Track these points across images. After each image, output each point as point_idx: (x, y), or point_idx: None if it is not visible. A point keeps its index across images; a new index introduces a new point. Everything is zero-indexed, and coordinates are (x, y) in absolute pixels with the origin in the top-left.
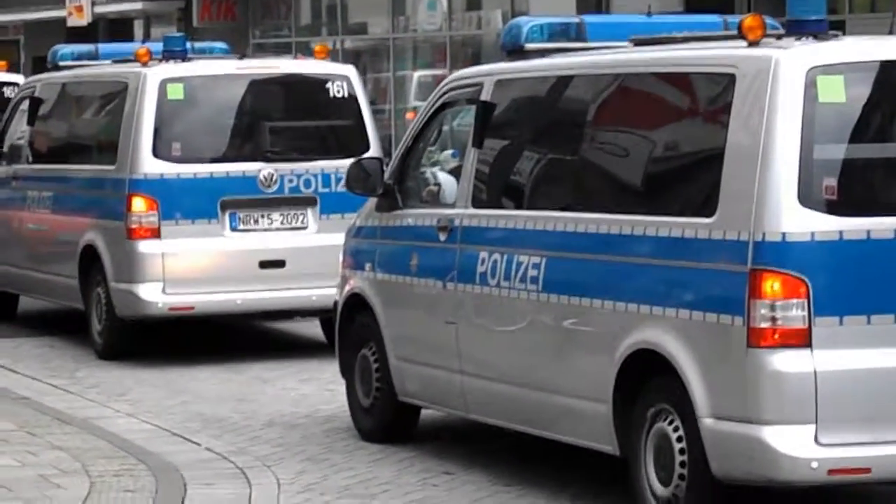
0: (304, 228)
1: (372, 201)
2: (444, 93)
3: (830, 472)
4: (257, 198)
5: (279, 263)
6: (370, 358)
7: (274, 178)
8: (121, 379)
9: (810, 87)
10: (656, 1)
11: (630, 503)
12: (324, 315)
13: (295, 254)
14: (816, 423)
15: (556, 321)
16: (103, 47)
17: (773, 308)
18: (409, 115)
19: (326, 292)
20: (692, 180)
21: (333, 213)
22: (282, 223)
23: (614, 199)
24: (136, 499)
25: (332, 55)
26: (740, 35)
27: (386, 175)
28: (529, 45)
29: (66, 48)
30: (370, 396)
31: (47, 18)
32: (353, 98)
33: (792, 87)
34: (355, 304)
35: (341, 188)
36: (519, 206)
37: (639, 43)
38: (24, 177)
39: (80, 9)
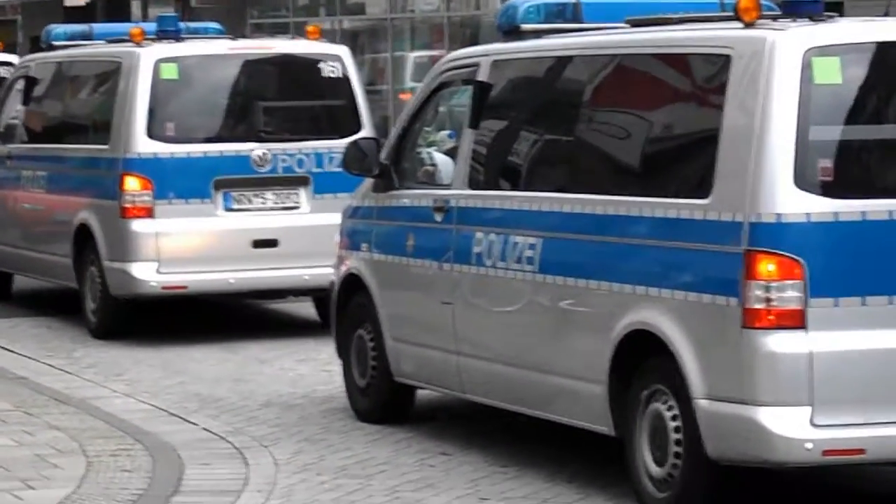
0: (297, 208)
1: (369, 182)
2: (441, 73)
3: (825, 453)
4: (250, 177)
5: (272, 243)
6: (366, 338)
7: (267, 157)
8: (118, 359)
9: (806, 68)
10: None
11: (626, 484)
12: (317, 294)
13: (288, 233)
14: (811, 404)
15: (552, 302)
16: (97, 27)
17: (768, 289)
18: (403, 97)
19: (319, 272)
20: (688, 161)
21: (326, 192)
22: (275, 203)
23: (610, 181)
24: (133, 478)
25: (331, 35)
26: (736, 16)
27: (382, 155)
28: (526, 26)
29: (59, 28)
30: (366, 377)
31: None
32: (346, 78)
33: (788, 69)
34: (351, 284)
35: (334, 168)
36: (515, 187)
37: (635, 24)
38: (19, 156)
39: None
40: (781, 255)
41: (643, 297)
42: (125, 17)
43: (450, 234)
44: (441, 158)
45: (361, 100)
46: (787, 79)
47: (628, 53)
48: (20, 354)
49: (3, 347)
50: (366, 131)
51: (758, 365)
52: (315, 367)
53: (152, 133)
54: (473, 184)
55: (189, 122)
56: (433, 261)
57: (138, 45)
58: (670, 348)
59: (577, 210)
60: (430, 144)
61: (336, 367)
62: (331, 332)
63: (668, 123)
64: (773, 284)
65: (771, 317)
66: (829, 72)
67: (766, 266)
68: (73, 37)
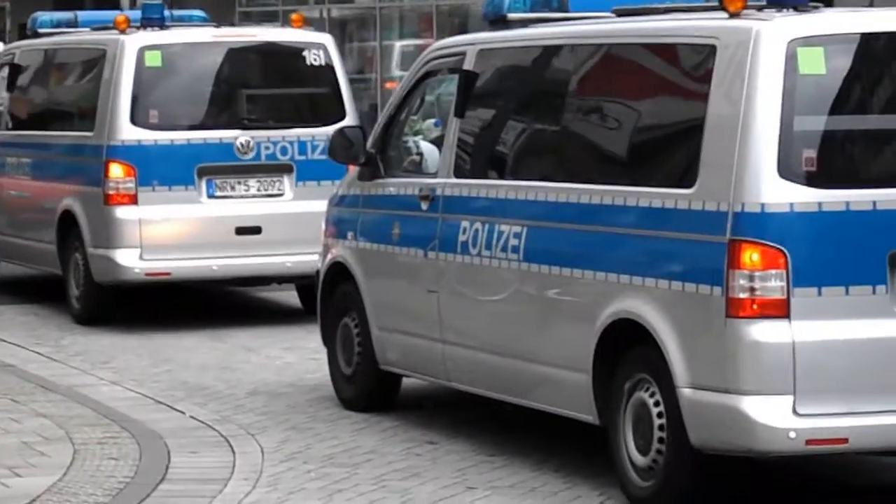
0: (281, 195)
1: (354, 170)
2: (427, 62)
3: (808, 442)
4: (234, 165)
5: (255, 230)
6: (352, 326)
7: (250, 145)
8: (105, 347)
9: (791, 58)
10: None
11: (613, 473)
12: (300, 282)
13: (271, 220)
14: (794, 393)
15: (537, 290)
16: (82, 15)
17: (751, 279)
18: (389, 85)
19: (302, 259)
20: (673, 151)
21: (309, 180)
22: (258, 190)
23: (595, 170)
24: (120, 466)
25: (319, 23)
26: (721, 6)
27: (368, 144)
28: (512, 15)
29: (45, 15)
30: (352, 365)
31: None
32: (329, 66)
33: (772, 59)
34: (337, 272)
35: (318, 156)
36: (500, 176)
37: (621, 14)
38: (4, 143)
39: None
40: (765, 244)
41: (628, 286)
42: (114, 4)
43: (435, 222)
44: (427, 147)
45: (345, 88)
46: (771, 69)
47: (614, 43)
48: (7, 342)
49: None
50: (349, 119)
51: (741, 354)
52: (302, 356)
53: (136, 120)
54: (459, 172)
55: (173, 110)
56: (419, 249)
57: (123, 32)
58: (654, 337)
59: (563, 199)
60: (416, 133)
61: (323, 355)
62: (316, 320)
63: (653, 113)
64: (757, 274)
65: (755, 306)
66: (813, 62)
67: (750, 255)
68: (58, 24)
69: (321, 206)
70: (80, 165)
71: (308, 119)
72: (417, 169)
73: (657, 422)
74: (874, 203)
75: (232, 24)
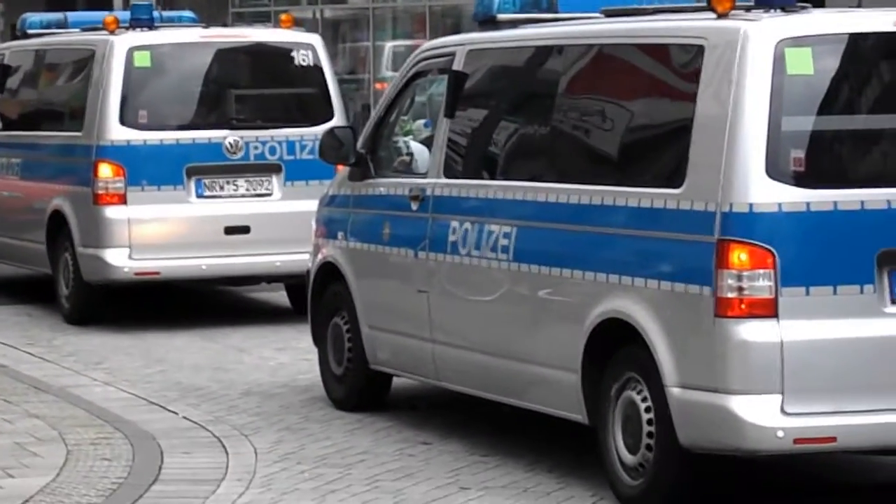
0: (269, 195)
1: (345, 170)
2: (417, 62)
3: (796, 441)
4: (223, 164)
5: (244, 229)
6: (342, 326)
7: (239, 145)
8: (98, 347)
9: (779, 59)
10: None
11: (605, 473)
12: (289, 281)
13: (260, 220)
14: (782, 392)
15: (526, 290)
16: (72, 15)
17: (740, 278)
18: (379, 86)
19: (291, 258)
20: (661, 151)
21: (298, 180)
22: (247, 190)
23: (584, 170)
24: (113, 467)
25: (312, 24)
26: (710, 7)
27: (359, 144)
28: (501, 16)
29: (35, 16)
30: (342, 365)
31: None
32: (318, 67)
33: (760, 60)
34: (328, 272)
35: (306, 155)
36: (490, 176)
37: (610, 14)
38: None
39: None
40: (753, 244)
41: (616, 285)
42: (107, 5)
43: (425, 222)
44: (417, 147)
45: (333, 88)
46: (759, 69)
47: (603, 43)
48: (0, 342)
49: None
50: (338, 119)
51: (730, 353)
52: (295, 356)
53: (125, 120)
54: (449, 173)
55: (162, 110)
56: (409, 249)
57: (112, 33)
58: (643, 337)
59: (552, 199)
60: (406, 133)
61: (316, 355)
62: (307, 320)
63: (642, 113)
64: (745, 274)
65: (743, 306)
66: (801, 62)
67: (739, 255)
68: (48, 25)
69: (310, 205)
70: (70, 165)
71: (297, 119)
72: (407, 169)
73: (646, 421)
74: (862, 203)
75: (225, 25)
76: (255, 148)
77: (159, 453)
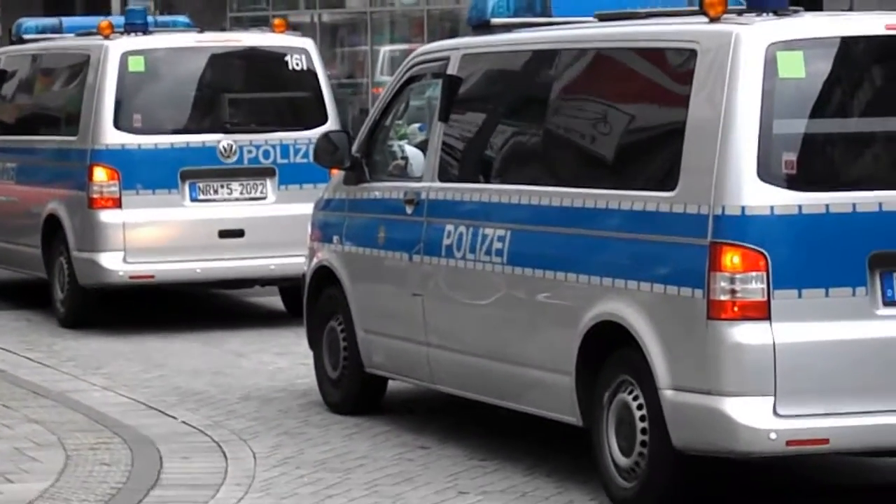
0: (263, 199)
1: (340, 174)
2: (411, 67)
3: (789, 443)
4: (217, 168)
5: (238, 233)
6: (338, 330)
7: (233, 149)
8: (97, 352)
9: (770, 62)
10: None
11: None
12: (283, 284)
13: (254, 224)
14: (775, 394)
15: (520, 294)
16: (67, 20)
17: (732, 281)
18: (376, 91)
19: (285, 262)
20: (654, 154)
21: (292, 183)
22: (241, 193)
23: (578, 173)
24: (112, 472)
25: (310, 28)
26: (702, 11)
27: (354, 148)
28: (495, 20)
29: (30, 21)
30: (338, 368)
31: None
32: (311, 71)
33: (752, 63)
34: (323, 276)
35: (300, 159)
36: (484, 180)
37: (603, 18)
38: None
39: None
40: (746, 247)
41: (610, 288)
42: (106, 10)
43: (420, 226)
44: (412, 151)
45: (327, 92)
46: (751, 73)
47: (596, 48)
48: None
49: None
50: (331, 123)
51: (723, 356)
52: (294, 361)
53: (120, 125)
54: (443, 176)
55: (156, 114)
56: (404, 253)
57: (106, 38)
58: (637, 339)
59: (546, 203)
60: (401, 137)
61: None
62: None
63: (635, 117)
64: (738, 276)
65: (735, 308)
66: (792, 66)
67: (731, 258)
68: (43, 30)
69: (304, 209)
70: (65, 169)
71: (290, 123)
72: (402, 173)
73: (640, 423)
74: (854, 205)
75: (223, 29)
76: (249, 152)
77: (158, 458)
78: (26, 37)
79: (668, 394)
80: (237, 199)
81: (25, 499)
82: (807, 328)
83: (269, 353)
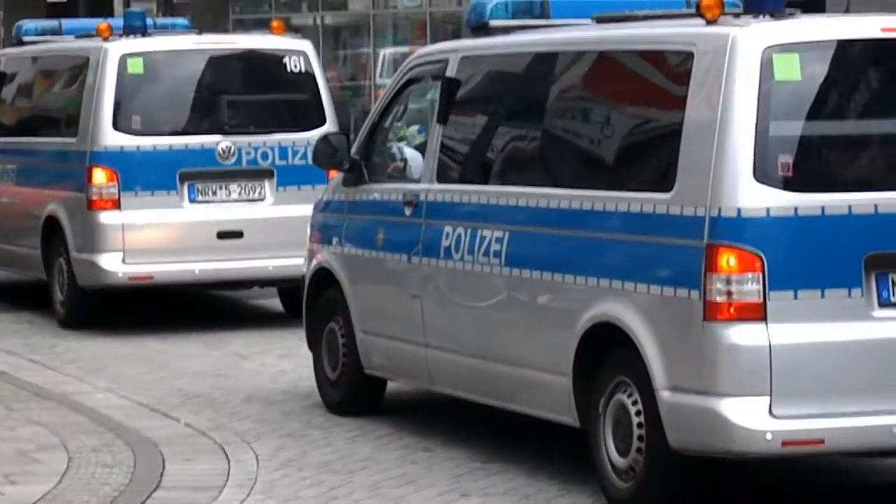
0: (262, 200)
1: (339, 176)
2: (410, 69)
3: (784, 443)
4: (215, 170)
5: (237, 234)
6: (337, 331)
7: (232, 150)
8: (100, 354)
9: (766, 65)
10: None
11: None
12: (281, 285)
13: (252, 225)
14: (771, 395)
15: (518, 295)
16: (67, 23)
17: (728, 282)
18: (379, 93)
19: (283, 263)
20: (651, 156)
21: (290, 185)
22: (239, 195)
23: (576, 175)
24: (115, 474)
25: (313, 31)
26: (699, 13)
27: (353, 150)
28: (494, 23)
29: (30, 24)
30: (337, 369)
31: None
32: (309, 73)
33: (748, 65)
34: (322, 278)
35: (298, 161)
36: (482, 182)
37: (601, 21)
38: None
39: None
40: (742, 248)
41: (607, 290)
42: (108, 12)
43: (419, 228)
44: (411, 153)
45: (325, 94)
46: (747, 75)
47: (594, 50)
48: (1, 349)
49: None
50: (329, 125)
51: (719, 357)
52: (297, 363)
53: (119, 126)
54: (442, 178)
55: (155, 116)
56: (402, 254)
57: (105, 40)
58: (633, 341)
59: (543, 205)
60: (400, 139)
61: None
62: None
63: (632, 119)
64: (734, 278)
65: (732, 309)
66: (788, 68)
67: (727, 259)
68: (43, 32)
69: (302, 210)
70: (64, 171)
71: (288, 125)
72: (401, 175)
73: (636, 424)
74: (849, 207)
75: (225, 31)
76: (248, 153)
77: (161, 460)
78: (26, 39)
79: (664, 394)
80: (236, 201)
81: (28, 501)
82: (803, 329)
83: (271, 355)
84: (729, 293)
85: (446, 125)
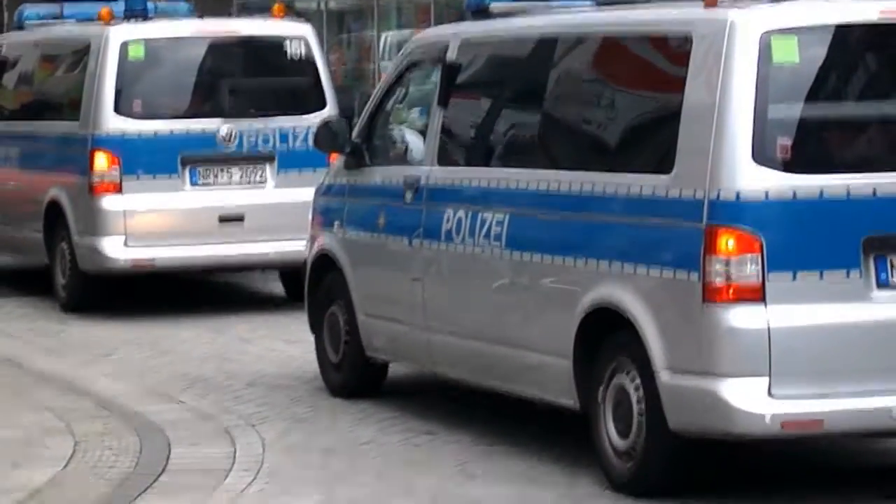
0: (263, 184)
1: (341, 159)
2: (411, 53)
3: (783, 425)
4: (217, 154)
5: (238, 218)
6: (339, 315)
7: (233, 134)
8: (105, 339)
9: (765, 48)
10: None
11: None
12: (282, 269)
13: (253, 209)
14: (770, 376)
15: (519, 278)
16: (68, 8)
17: (727, 264)
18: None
19: (284, 247)
20: (651, 139)
21: (291, 169)
22: (240, 179)
23: (575, 158)
24: (121, 458)
25: (316, 15)
26: None
27: (354, 133)
28: (494, 6)
29: (31, 9)
30: (339, 352)
31: None
32: (310, 57)
33: (747, 49)
34: (324, 261)
35: (299, 145)
36: (483, 165)
37: (601, 4)
38: None
39: None
40: (741, 230)
41: (607, 272)
42: None
43: (420, 211)
44: (412, 137)
45: (325, 78)
46: (746, 58)
47: (593, 33)
48: (7, 334)
49: None
50: (330, 109)
51: (718, 338)
52: (303, 347)
53: (120, 111)
54: (443, 161)
55: (156, 101)
56: (403, 238)
57: (107, 25)
58: (633, 323)
59: (544, 187)
60: (401, 123)
61: None
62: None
63: (632, 102)
64: (733, 259)
65: (731, 291)
66: (786, 52)
67: (726, 241)
68: (44, 17)
69: (303, 194)
70: (66, 156)
71: (289, 109)
72: (402, 158)
73: (636, 406)
74: (848, 189)
75: (229, 15)
76: (249, 137)
77: (167, 444)
78: (27, 24)
79: (664, 376)
80: (237, 185)
81: (34, 485)
82: (801, 311)
83: (276, 339)
84: (728, 275)
85: (447, 108)
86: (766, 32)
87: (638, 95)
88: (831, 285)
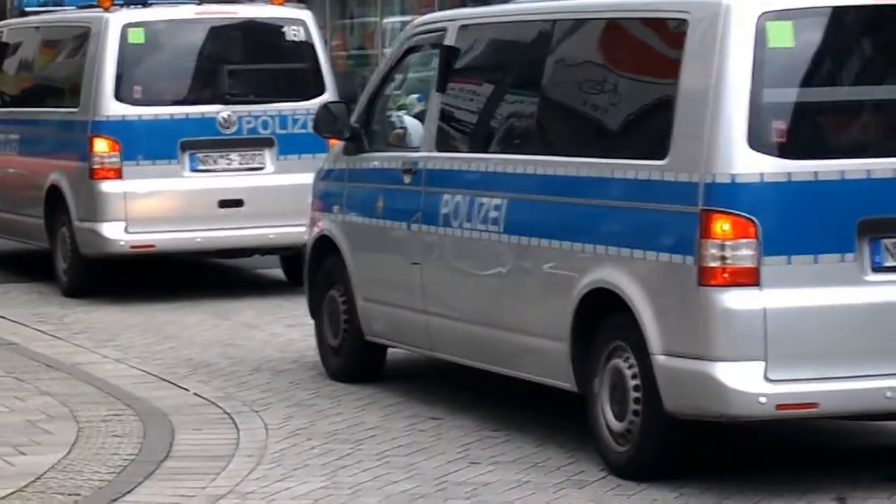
0: (262, 169)
1: (340, 144)
2: (409, 38)
3: (779, 407)
4: (216, 139)
5: (238, 203)
6: (338, 299)
7: (232, 119)
8: (109, 324)
9: (760, 32)
10: None
11: None
12: (282, 253)
13: (253, 193)
14: (765, 359)
15: (516, 262)
16: None
17: (722, 248)
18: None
19: (283, 231)
20: (646, 123)
21: (290, 153)
22: (240, 164)
23: (572, 143)
24: (124, 444)
25: (320, 1)
26: None
27: (353, 119)
28: None
29: None
30: (338, 336)
31: None
32: (309, 42)
33: (742, 33)
34: (323, 245)
35: (298, 129)
36: (480, 150)
37: None
38: None
39: None
40: (736, 214)
41: (604, 256)
42: None
43: (418, 195)
44: (410, 121)
45: (324, 63)
46: (741, 42)
47: (590, 18)
48: (10, 320)
49: None
50: (329, 94)
51: (713, 321)
52: (305, 333)
53: (120, 96)
54: (441, 146)
55: (156, 86)
56: (402, 222)
57: (106, 10)
58: (630, 306)
59: (540, 172)
60: (399, 108)
61: None
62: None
63: (628, 86)
64: (728, 243)
65: (726, 275)
66: (782, 35)
67: (721, 225)
68: (45, 3)
69: (302, 178)
70: (66, 141)
71: (289, 94)
72: (401, 143)
73: (633, 388)
74: (842, 173)
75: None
76: (248, 122)
77: (170, 430)
78: (28, 10)
79: (660, 359)
80: (236, 170)
81: (38, 471)
82: (796, 294)
83: (280, 324)
84: (723, 258)
85: (445, 94)
86: (762, 16)
87: (634, 79)
88: (826, 268)
